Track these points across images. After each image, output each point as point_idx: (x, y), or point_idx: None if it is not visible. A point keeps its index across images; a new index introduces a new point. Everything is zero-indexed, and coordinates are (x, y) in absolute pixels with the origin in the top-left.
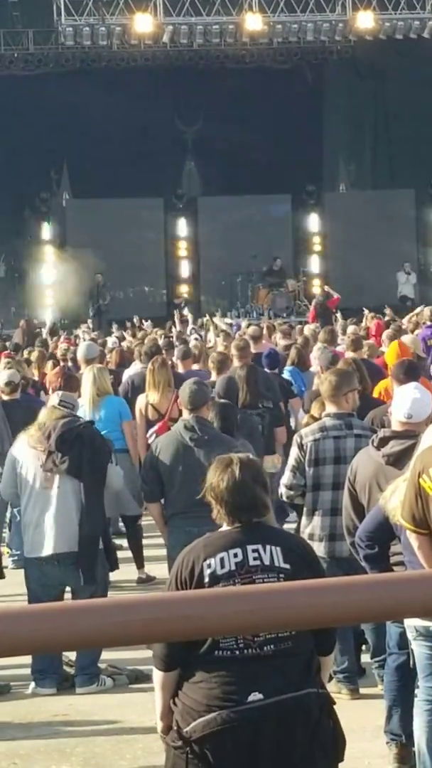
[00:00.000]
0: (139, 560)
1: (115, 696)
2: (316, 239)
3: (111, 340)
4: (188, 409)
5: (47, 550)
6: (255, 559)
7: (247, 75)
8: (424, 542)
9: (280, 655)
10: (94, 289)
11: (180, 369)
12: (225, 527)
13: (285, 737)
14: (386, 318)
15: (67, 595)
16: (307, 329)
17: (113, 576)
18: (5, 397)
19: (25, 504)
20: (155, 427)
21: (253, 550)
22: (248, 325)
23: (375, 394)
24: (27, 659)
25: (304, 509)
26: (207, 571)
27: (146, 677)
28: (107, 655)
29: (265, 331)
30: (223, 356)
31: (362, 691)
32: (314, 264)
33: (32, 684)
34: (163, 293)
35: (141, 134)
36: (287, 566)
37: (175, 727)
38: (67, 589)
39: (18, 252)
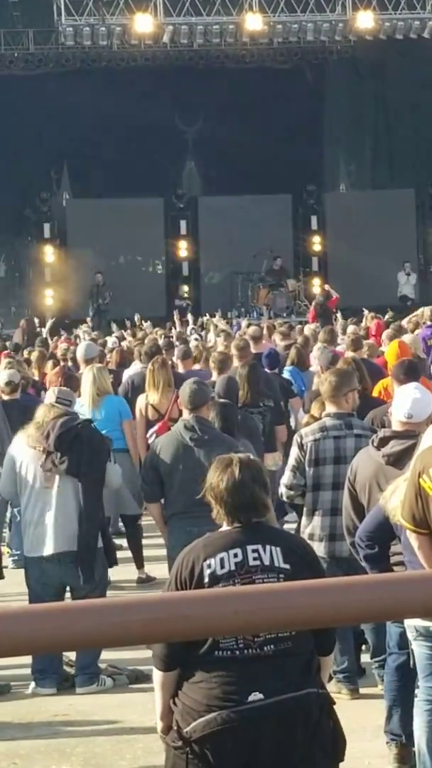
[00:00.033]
0: (139, 560)
1: (115, 696)
2: (316, 239)
3: (111, 340)
4: (188, 409)
5: (48, 549)
6: (255, 559)
7: (247, 75)
8: (424, 542)
9: (280, 655)
10: (94, 289)
11: (180, 369)
12: (225, 527)
13: (285, 737)
14: (386, 318)
15: (67, 595)
16: (308, 329)
17: (113, 576)
18: (5, 397)
19: (25, 503)
20: (155, 428)
21: (253, 551)
22: (248, 325)
23: (375, 393)
24: (27, 659)
25: (304, 509)
26: (207, 572)
27: (146, 677)
28: (107, 655)
29: (265, 331)
30: (225, 356)
31: (362, 691)
32: (314, 264)
33: (32, 684)
34: (163, 293)
35: (141, 134)
36: (287, 566)
37: (175, 727)
38: (67, 588)
39: (18, 252)
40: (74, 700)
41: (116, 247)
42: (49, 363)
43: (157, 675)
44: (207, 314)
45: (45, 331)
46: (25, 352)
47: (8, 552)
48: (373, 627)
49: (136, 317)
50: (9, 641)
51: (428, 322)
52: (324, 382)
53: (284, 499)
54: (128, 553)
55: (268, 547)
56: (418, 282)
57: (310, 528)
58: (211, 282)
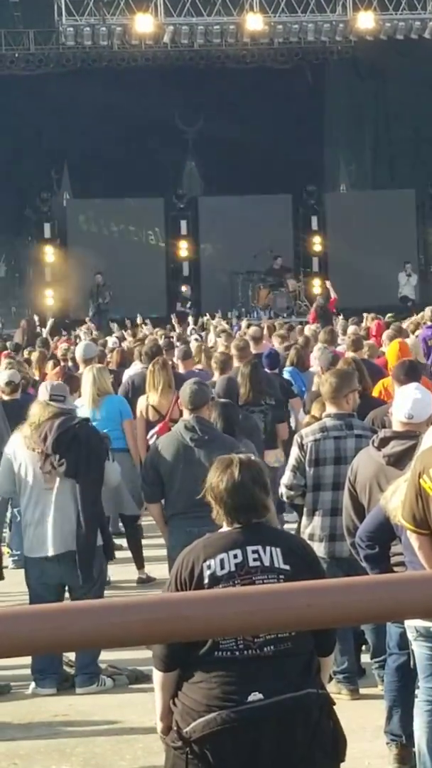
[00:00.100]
0: (138, 561)
1: (115, 696)
2: (316, 239)
3: (111, 340)
4: (189, 409)
5: (48, 549)
6: (255, 560)
7: (247, 75)
8: (424, 543)
9: (280, 656)
10: (94, 289)
11: (181, 369)
12: (225, 528)
13: (285, 737)
14: (386, 318)
15: (66, 595)
16: (308, 329)
17: (113, 576)
18: (5, 397)
19: (25, 504)
20: (156, 428)
21: (253, 551)
22: (248, 326)
23: (375, 393)
24: (27, 659)
25: (305, 509)
26: (207, 572)
27: (146, 677)
28: (107, 655)
29: (265, 332)
30: (226, 356)
31: (362, 691)
32: (314, 264)
33: (32, 684)
34: (163, 293)
35: (141, 134)
36: (287, 567)
37: (175, 728)
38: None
39: (18, 252)
40: (74, 700)
41: (116, 247)
42: (50, 363)
43: (157, 675)
44: (207, 314)
45: (45, 331)
46: (26, 352)
47: (8, 552)
48: (373, 627)
49: (138, 318)
50: (9, 641)
51: (428, 323)
52: (324, 383)
53: (284, 499)
54: (128, 554)
55: (268, 548)
56: (418, 283)
57: (311, 528)
58: (211, 282)
